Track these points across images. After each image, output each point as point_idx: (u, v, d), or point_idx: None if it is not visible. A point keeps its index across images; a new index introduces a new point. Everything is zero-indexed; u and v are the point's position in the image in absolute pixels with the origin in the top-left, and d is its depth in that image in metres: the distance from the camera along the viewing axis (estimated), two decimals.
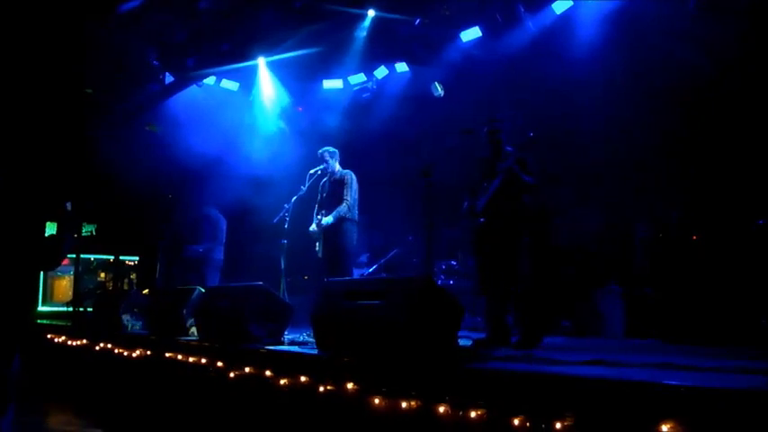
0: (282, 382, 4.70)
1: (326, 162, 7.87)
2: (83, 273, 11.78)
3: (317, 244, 7.81)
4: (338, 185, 7.77)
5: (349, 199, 7.67)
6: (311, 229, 7.85)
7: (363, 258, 10.41)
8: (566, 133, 8.64)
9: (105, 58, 11.02)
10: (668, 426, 2.67)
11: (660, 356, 4.47)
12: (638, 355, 4.80)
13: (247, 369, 5.14)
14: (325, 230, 7.68)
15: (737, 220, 7.11)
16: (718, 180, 7.47)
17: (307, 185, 7.84)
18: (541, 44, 9.57)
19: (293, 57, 11.16)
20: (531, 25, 9.75)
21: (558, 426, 2.97)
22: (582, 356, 4.27)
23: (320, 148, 8.00)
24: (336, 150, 8.01)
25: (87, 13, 9.99)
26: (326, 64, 11.69)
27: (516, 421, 3.12)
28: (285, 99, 12.63)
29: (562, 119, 8.72)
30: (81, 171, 11.95)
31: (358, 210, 7.81)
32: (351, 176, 7.79)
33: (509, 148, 6.07)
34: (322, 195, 7.93)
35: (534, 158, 6.02)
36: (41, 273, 11.26)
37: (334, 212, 7.61)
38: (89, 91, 11.72)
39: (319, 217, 7.73)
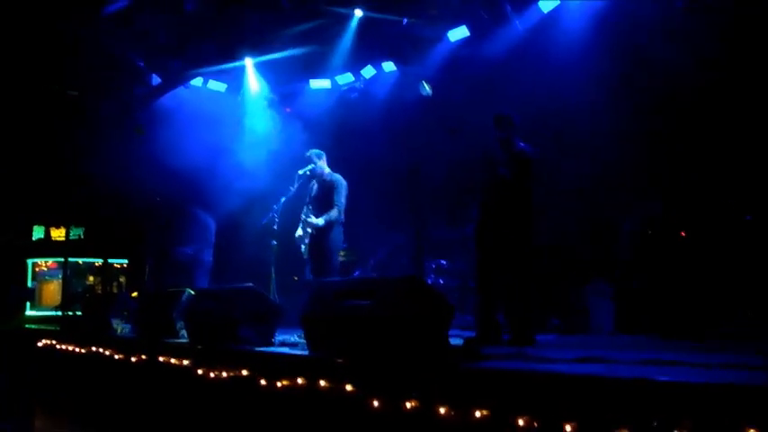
0: (273, 383, 4.69)
1: (314, 163, 7.84)
2: (71, 276, 11.73)
3: (303, 246, 7.76)
4: (328, 189, 7.72)
5: (340, 205, 7.64)
6: (297, 234, 7.81)
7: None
8: (552, 130, 8.66)
9: (90, 60, 10.95)
10: (660, 421, 2.69)
11: (650, 352, 4.50)
12: (627, 352, 4.83)
13: (238, 371, 5.13)
14: (313, 232, 7.65)
15: (726, 216, 7.16)
16: (705, 176, 7.51)
17: (295, 186, 7.80)
18: (529, 43, 9.59)
19: (281, 57, 11.14)
20: (518, 24, 9.78)
21: (552, 423, 2.98)
22: (574, 354, 4.28)
23: (308, 150, 7.97)
24: (323, 152, 7.98)
25: (72, 15, 9.93)
26: (314, 64, 11.67)
27: (509, 419, 3.13)
28: (272, 99, 12.60)
29: (549, 116, 8.74)
30: (68, 174, 11.90)
31: (345, 212, 7.79)
32: (341, 181, 7.75)
33: (522, 145, 6.13)
34: (310, 197, 7.89)
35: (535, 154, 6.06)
36: None
37: (324, 216, 7.57)
38: (74, 93, 11.66)
39: (306, 217, 7.68)
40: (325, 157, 7.96)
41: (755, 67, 7.21)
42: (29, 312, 11.63)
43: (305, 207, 7.86)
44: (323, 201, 7.69)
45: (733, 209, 7.15)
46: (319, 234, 7.62)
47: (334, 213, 7.59)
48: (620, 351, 4.93)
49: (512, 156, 6.05)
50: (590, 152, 8.55)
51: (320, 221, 7.54)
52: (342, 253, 9.63)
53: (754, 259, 6.71)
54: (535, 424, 3.00)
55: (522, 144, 6.13)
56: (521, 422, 3.06)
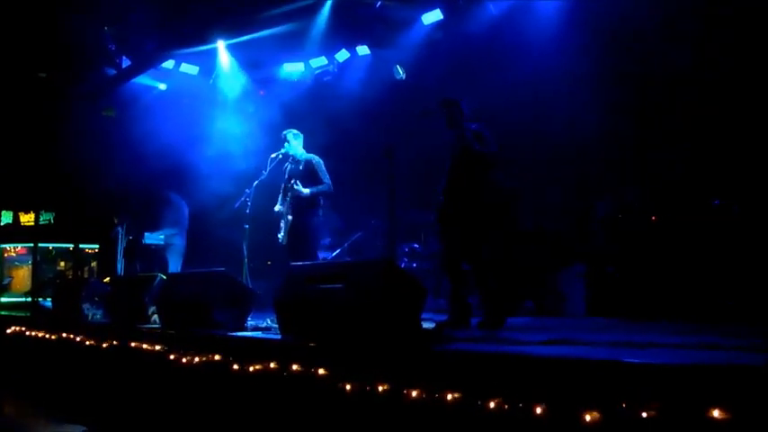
0: (246, 368, 4.67)
1: (287, 144, 7.75)
2: (41, 262, 11.59)
3: (281, 232, 7.67)
4: (308, 169, 7.63)
5: (328, 181, 7.57)
6: (277, 208, 7.71)
7: (326, 242, 10.33)
8: (527, 114, 8.68)
9: (60, 41, 10.77)
10: (629, 403, 2.70)
11: (621, 334, 4.54)
12: (599, 334, 4.86)
13: (210, 356, 5.10)
14: (294, 213, 7.57)
15: (695, 201, 7.24)
16: (676, 162, 7.57)
17: (268, 170, 7.74)
18: (503, 26, 9.59)
19: (254, 40, 11.03)
20: (492, 8, 9.75)
21: (522, 405, 2.99)
22: (544, 336, 4.30)
23: (283, 131, 7.89)
24: (300, 133, 7.91)
25: None
26: (287, 47, 11.57)
27: (480, 402, 3.14)
28: (246, 82, 12.49)
29: (523, 100, 8.76)
30: (37, 158, 11.72)
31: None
32: (320, 161, 7.68)
33: (473, 126, 6.01)
34: (286, 178, 7.78)
35: (491, 131, 5.99)
36: None
37: (312, 188, 7.50)
38: (43, 75, 11.47)
39: (294, 184, 7.55)
40: (302, 138, 7.88)
41: (734, 49, 7.24)
42: None
43: (282, 190, 7.76)
44: (303, 182, 7.57)
45: (704, 194, 7.22)
46: (299, 214, 7.53)
47: (323, 188, 7.52)
48: (591, 333, 4.97)
49: (465, 138, 5.97)
50: (565, 136, 8.57)
51: (306, 191, 7.44)
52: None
53: (723, 244, 6.80)
54: (505, 406, 3.01)
55: (474, 126, 6.03)
56: (491, 404, 3.07)
